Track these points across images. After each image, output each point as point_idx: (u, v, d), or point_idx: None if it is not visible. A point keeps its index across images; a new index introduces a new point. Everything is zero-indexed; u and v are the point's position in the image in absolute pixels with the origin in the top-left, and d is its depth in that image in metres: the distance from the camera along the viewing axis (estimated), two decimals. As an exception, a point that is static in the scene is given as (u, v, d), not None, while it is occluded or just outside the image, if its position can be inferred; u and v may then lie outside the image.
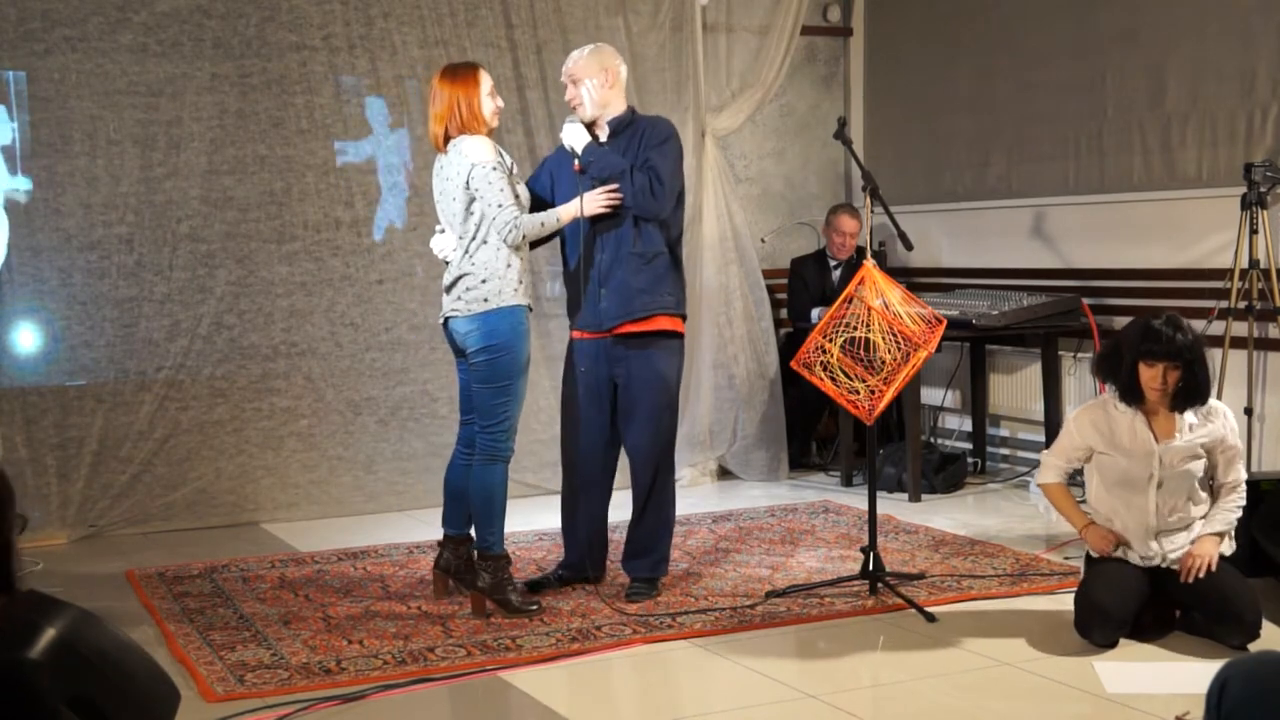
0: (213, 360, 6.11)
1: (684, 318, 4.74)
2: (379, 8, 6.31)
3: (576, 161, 4.55)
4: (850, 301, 4.64)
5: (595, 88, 4.61)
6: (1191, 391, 4.09)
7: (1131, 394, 4.14)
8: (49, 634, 2.30)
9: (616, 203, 4.55)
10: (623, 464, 4.92)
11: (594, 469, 4.82)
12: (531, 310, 4.55)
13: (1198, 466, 4.15)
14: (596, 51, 4.68)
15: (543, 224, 4.49)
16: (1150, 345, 4.05)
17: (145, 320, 5.99)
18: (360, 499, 6.34)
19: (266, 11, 6.13)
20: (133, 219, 5.95)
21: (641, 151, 4.58)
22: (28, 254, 5.82)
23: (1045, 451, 4.50)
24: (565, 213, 4.53)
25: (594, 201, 4.53)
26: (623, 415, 4.72)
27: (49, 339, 5.87)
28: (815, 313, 6.91)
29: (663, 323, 4.64)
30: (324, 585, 4.98)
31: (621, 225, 4.59)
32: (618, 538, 5.02)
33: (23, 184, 5.82)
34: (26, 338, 5.84)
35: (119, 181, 5.93)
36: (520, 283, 4.45)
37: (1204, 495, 4.21)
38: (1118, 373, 4.16)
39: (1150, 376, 4.07)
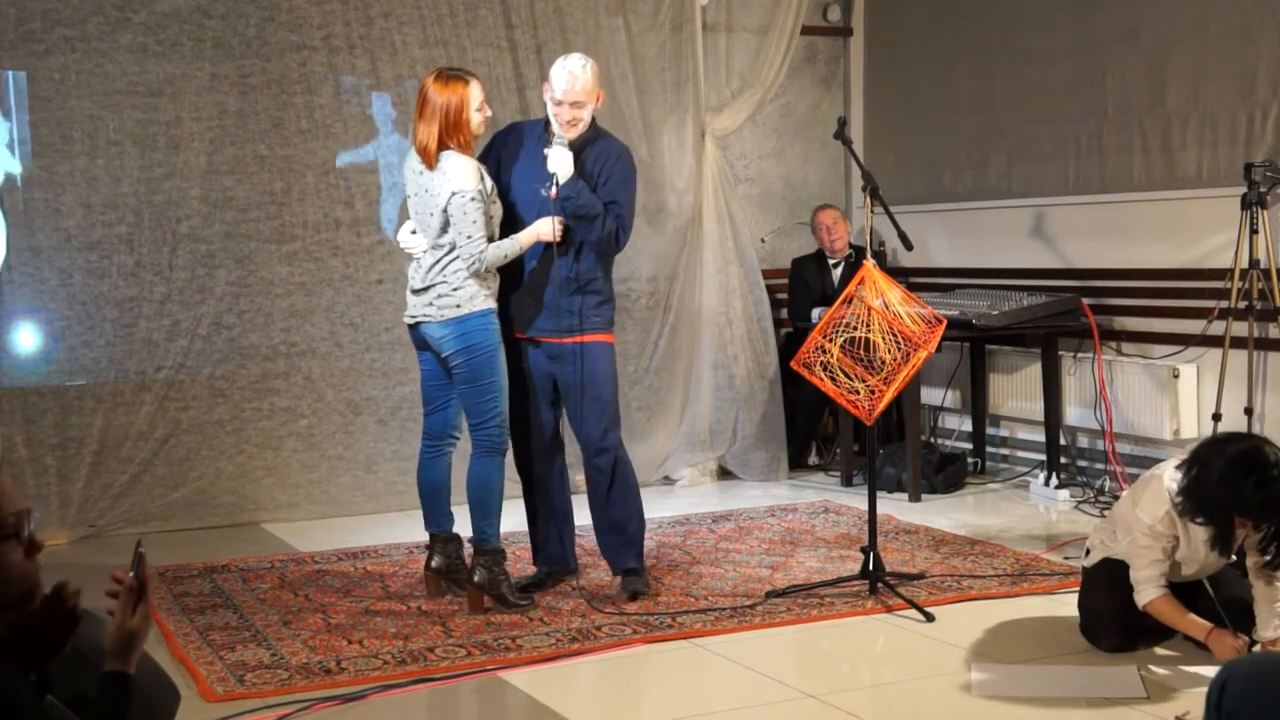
0: (213, 360, 6.11)
1: (612, 332, 4.77)
2: (379, 8, 6.31)
3: (554, 189, 4.54)
4: (850, 301, 4.65)
5: (589, 112, 4.62)
6: None
7: (1226, 545, 3.67)
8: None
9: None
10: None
11: (546, 465, 4.85)
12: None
13: None
14: (593, 71, 4.62)
15: (505, 255, 4.56)
16: (1267, 499, 3.53)
17: (145, 320, 5.99)
18: (360, 499, 6.34)
19: (266, 11, 6.13)
20: (133, 219, 5.95)
21: (607, 184, 4.60)
22: (28, 254, 5.82)
23: (1133, 572, 3.95)
24: (525, 238, 4.58)
25: (557, 231, 4.56)
26: (569, 411, 4.75)
27: (49, 339, 5.87)
28: (815, 313, 6.91)
29: (589, 337, 4.67)
30: (324, 585, 4.98)
31: (565, 248, 4.61)
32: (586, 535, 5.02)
33: (22, 184, 5.81)
34: (26, 338, 5.84)
35: (119, 181, 5.93)
36: (489, 290, 4.56)
37: None
38: (1212, 518, 3.67)
39: (1246, 526, 3.64)
